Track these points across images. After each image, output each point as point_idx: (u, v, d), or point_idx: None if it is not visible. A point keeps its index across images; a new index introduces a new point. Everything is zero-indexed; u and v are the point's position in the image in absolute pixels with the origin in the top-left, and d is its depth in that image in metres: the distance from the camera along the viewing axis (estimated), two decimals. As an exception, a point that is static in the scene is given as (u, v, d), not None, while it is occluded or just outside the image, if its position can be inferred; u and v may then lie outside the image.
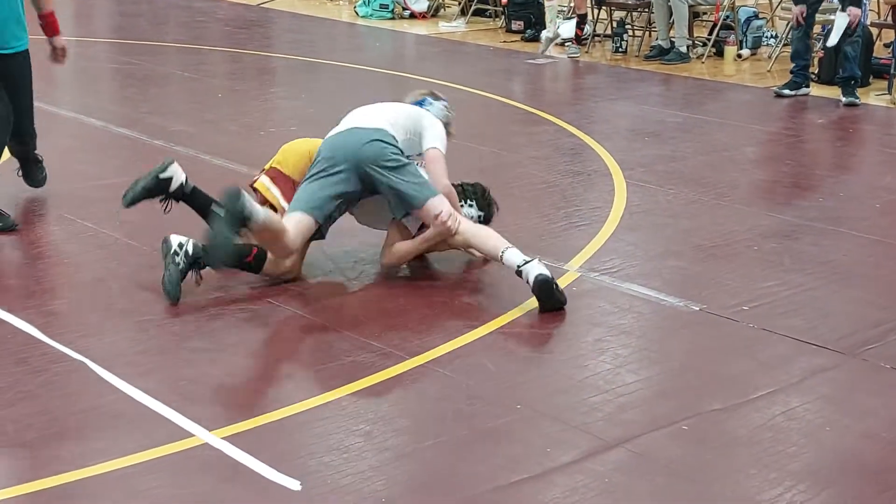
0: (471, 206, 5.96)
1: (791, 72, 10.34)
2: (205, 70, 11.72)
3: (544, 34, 12.58)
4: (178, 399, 4.26)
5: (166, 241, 5.23)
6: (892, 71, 10.38)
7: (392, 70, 11.44)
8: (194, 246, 5.20)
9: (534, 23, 13.52)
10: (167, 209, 5.30)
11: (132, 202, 5.27)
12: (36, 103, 9.20)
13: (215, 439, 3.98)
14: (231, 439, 3.98)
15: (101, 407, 4.23)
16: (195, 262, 5.20)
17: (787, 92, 10.17)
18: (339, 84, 10.87)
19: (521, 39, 13.43)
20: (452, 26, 14.40)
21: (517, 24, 13.72)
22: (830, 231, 6.48)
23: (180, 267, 5.17)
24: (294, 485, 3.71)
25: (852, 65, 9.92)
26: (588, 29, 12.89)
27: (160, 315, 5.08)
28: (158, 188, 5.26)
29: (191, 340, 4.88)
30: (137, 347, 4.75)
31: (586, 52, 12.48)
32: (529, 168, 7.80)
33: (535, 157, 8.12)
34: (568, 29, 12.68)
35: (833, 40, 9.99)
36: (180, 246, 5.20)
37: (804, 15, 10.20)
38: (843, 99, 9.90)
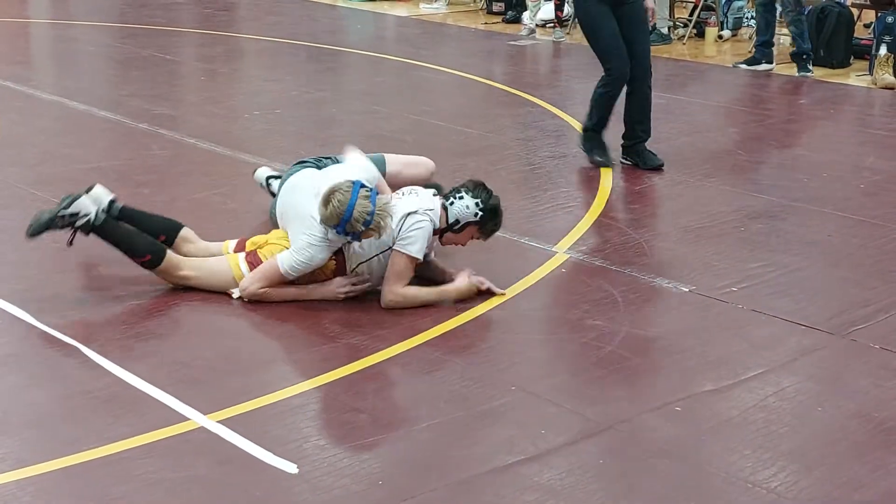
0: (461, 197, 5.17)
1: (754, 45, 11.03)
2: (187, 52, 11.69)
3: (527, 18, 12.59)
4: (172, 383, 4.26)
5: (90, 191, 5.12)
6: (872, 51, 10.43)
7: (373, 52, 11.42)
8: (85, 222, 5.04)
9: (514, 4, 13.52)
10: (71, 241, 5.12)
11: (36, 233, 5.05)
12: (15, 86, 9.26)
13: (211, 423, 3.98)
14: (227, 423, 3.98)
15: (96, 391, 4.22)
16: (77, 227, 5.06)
17: (743, 66, 10.82)
18: (321, 66, 10.85)
19: (503, 21, 13.43)
20: (433, 8, 14.39)
21: (498, 6, 13.74)
22: (816, 212, 6.52)
23: (54, 224, 5.01)
24: (290, 468, 3.72)
25: (800, 41, 10.42)
26: (569, 10, 12.89)
27: (153, 299, 5.07)
28: (63, 224, 5.03)
29: (184, 324, 4.89)
30: (131, 332, 4.74)
31: (567, 34, 12.48)
32: (515, 150, 7.81)
33: (520, 139, 8.13)
34: (548, 11, 12.68)
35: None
36: (84, 215, 5.02)
37: None
38: (797, 74, 10.45)
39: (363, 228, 4.85)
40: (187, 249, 5.30)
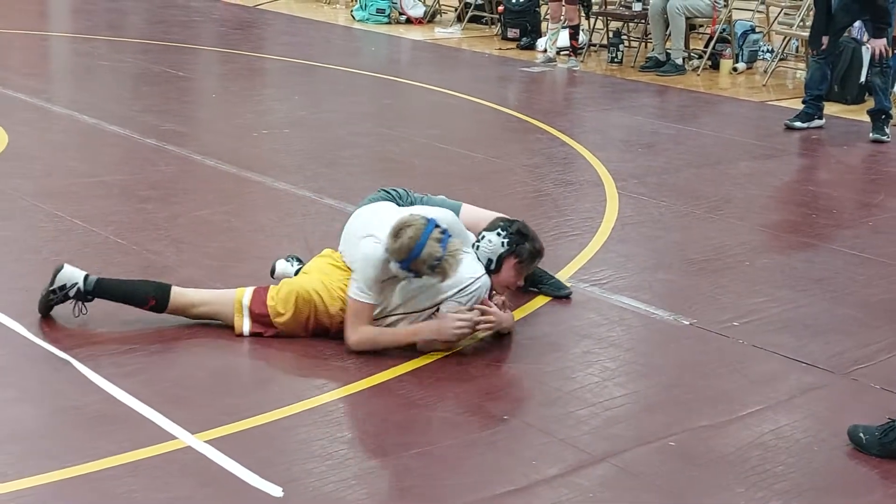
0: (482, 238, 5.04)
1: (803, 101, 9.74)
2: (199, 70, 11.68)
3: (545, 44, 12.55)
4: (161, 401, 4.22)
5: (60, 271, 4.90)
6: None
7: (387, 75, 11.41)
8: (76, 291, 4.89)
9: (529, 31, 13.51)
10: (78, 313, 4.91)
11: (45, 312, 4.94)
12: (28, 98, 9.26)
13: (198, 443, 3.94)
14: (214, 443, 3.94)
15: (85, 407, 4.19)
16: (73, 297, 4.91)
17: (798, 124, 9.55)
18: (333, 87, 10.83)
19: (517, 47, 13.40)
20: (448, 32, 14.38)
21: (513, 32, 13.70)
22: (823, 248, 6.46)
23: (51, 301, 4.90)
24: (276, 491, 3.68)
25: (881, 97, 9.35)
26: (584, 38, 12.88)
27: (147, 316, 5.01)
28: (58, 300, 4.90)
29: (178, 342, 4.83)
30: (123, 348, 4.70)
31: (581, 62, 12.46)
32: (521, 176, 7.77)
33: (527, 165, 8.09)
34: (562, 38, 12.64)
35: (862, 76, 10.30)
36: (72, 285, 4.88)
37: (824, 47, 9.53)
38: (871, 134, 9.32)
39: (428, 271, 4.66)
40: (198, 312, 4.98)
